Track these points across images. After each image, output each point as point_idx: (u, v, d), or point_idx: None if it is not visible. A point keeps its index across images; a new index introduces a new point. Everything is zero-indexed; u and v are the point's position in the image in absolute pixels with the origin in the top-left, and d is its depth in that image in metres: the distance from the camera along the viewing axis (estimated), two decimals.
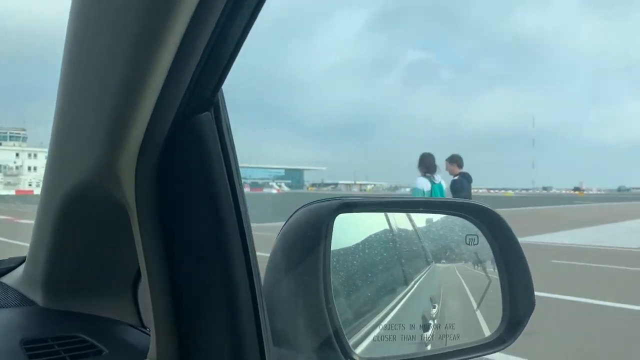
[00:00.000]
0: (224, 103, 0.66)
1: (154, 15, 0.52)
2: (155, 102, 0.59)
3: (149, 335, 0.92)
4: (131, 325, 0.98)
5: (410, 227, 1.13)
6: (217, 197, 0.65)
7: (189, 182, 0.66)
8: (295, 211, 0.82)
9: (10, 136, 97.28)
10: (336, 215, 0.82)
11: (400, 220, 1.10)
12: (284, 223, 0.82)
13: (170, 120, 0.63)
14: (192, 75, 0.58)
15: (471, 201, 1.00)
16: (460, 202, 1.01)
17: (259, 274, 0.68)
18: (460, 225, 0.99)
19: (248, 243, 0.66)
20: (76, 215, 0.83)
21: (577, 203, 56.35)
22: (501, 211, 0.97)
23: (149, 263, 0.69)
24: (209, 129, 0.64)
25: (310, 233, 0.79)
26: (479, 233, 0.95)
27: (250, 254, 0.66)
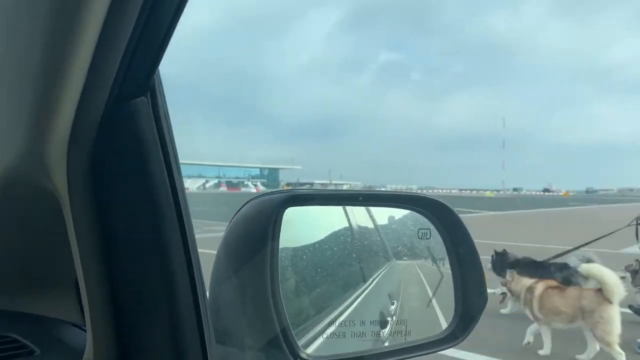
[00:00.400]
0: (162, 87, 0.63)
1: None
2: (83, 84, 0.55)
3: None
4: (74, 325, 0.94)
5: (369, 223, 1.12)
6: (154, 188, 0.61)
7: (125, 172, 0.62)
8: (243, 205, 0.79)
9: None
10: (284, 209, 0.79)
11: (359, 215, 1.09)
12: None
13: (103, 106, 0.59)
14: (122, 56, 0.54)
15: (422, 194, 0.99)
16: (411, 196, 0.99)
17: (200, 269, 0.64)
18: (413, 220, 0.97)
19: (188, 237, 0.63)
20: (6, 207, 0.79)
21: (574, 205, 48.27)
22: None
23: (84, 258, 0.65)
24: (145, 115, 0.60)
25: (257, 227, 0.76)
26: (432, 227, 0.94)
27: (190, 248, 0.63)
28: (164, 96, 0.63)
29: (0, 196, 0.75)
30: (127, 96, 0.60)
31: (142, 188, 0.61)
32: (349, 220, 1.08)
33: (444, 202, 0.93)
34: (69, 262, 0.90)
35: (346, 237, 1.08)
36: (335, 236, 1.03)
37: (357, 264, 1.16)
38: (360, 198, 0.99)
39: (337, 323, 0.92)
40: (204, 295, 0.65)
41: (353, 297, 1.09)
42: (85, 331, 0.91)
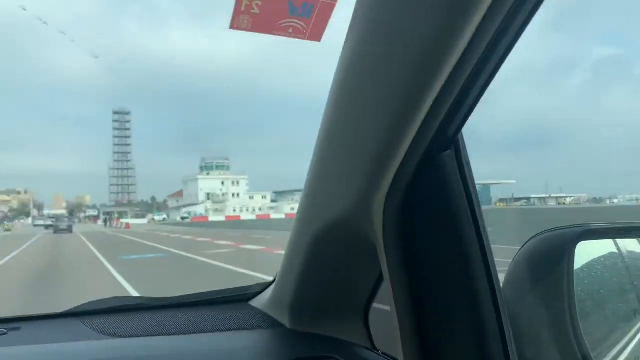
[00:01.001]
0: (464, 140, 0.70)
1: (422, 66, 0.58)
2: (410, 143, 0.65)
3: (384, 357, 0.99)
4: (366, 348, 1.06)
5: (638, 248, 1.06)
6: (461, 234, 0.67)
7: (435, 218, 0.69)
8: (531, 238, 0.83)
9: (216, 166, 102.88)
10: (578, 243, 0.81)
11: (631, 246, 1.04)
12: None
13: (418, 160, 0.68)
14: (444, 116, 0.63)
15: None
16: None
17: (505, 308, 0.68)
18: None
19: (492, 272, 0.68)
20: (325, 249, 0.93)
21: None
22: None
23: (396, 292, 0.73)
24: (451, 167, 0.68)
25: (552, 261, 0.79)
26: None
27: (495, 285, 0.68)
28: (466, 148, 0.70)
29: (324, 239, 0.90)
30: (437, 150, 0.67)
31: (450, 234, 0.68)
32: (617, 246, 1.04)
33: None
34: (361, 292, 1.04)
35: (618, 265, 1.04)
36: (613, 267, 1.00)
37: (633, 293, 1.10)
38: None
39: (625, 353, 0.90)
40: (510, 329, 0.68)
41: (635, 329, 1.05)
42: (379, 355, 1.03)
